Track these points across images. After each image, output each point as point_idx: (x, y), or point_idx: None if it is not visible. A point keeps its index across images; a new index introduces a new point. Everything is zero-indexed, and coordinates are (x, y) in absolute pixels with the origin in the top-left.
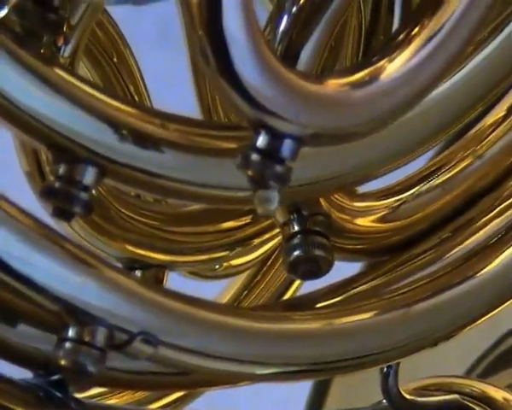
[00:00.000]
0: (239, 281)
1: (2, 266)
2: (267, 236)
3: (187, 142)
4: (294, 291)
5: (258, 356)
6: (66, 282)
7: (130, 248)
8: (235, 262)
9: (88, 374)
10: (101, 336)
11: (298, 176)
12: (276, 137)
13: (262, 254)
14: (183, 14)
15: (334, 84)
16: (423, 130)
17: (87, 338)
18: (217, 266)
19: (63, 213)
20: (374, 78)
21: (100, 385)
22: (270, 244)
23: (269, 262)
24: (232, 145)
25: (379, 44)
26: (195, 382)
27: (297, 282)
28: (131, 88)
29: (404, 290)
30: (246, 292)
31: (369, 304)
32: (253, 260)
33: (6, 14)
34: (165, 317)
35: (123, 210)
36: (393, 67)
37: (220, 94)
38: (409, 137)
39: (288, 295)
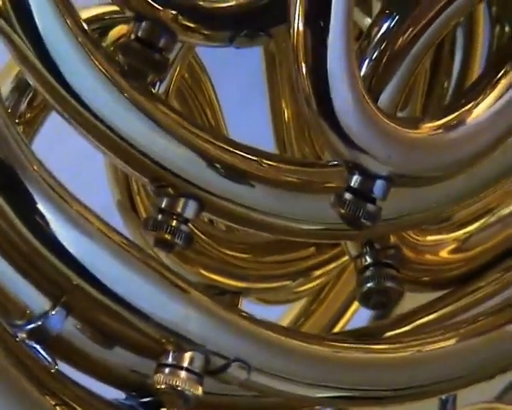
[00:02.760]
0: (295, 308)
1: (106, 291)
2: (329, 267)
3: (281, 179)
4: (348, 319)
5: (343, 383)
6: (168, 309)
7: (208, 274)
8: (297, 289)
9: (187, 399)
10: (198, 362)
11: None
12: (369, 177)
13: (320, 282)
14: (293, 62)
15: (427, 128)
16: (496, 171)
17: (185, 364)
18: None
19: (165, 244)
20: (462, 121)
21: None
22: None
23: (325, 290)
24: (324, 184)
25: (442, 90)
26: (276, 406)
27: (350, 311)
28: (213, 123)
29: (473, 320)
30: (302, 319)
31: (442, 333)
32: (312, 287)
33: (112, 51)
34: (260, 345)
35: (201, 236)
36: (479, 110)
37: (318, 135)
38: (484, 178)
39: (341, 323)
